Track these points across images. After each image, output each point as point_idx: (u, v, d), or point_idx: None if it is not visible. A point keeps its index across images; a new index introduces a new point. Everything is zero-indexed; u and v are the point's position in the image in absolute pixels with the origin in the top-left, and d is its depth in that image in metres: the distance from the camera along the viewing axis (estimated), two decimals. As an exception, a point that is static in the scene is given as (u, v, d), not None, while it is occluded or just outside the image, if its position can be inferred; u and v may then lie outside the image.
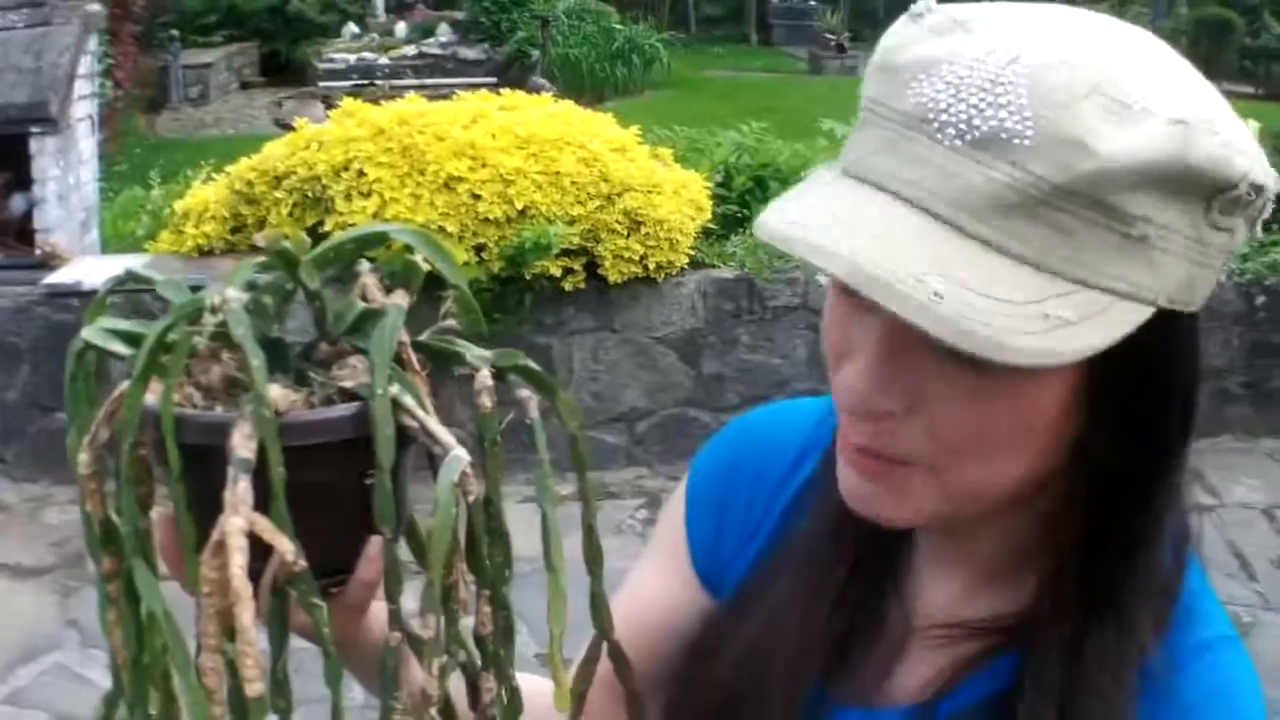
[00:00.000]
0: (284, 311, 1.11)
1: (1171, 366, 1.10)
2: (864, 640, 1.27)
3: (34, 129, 7.31)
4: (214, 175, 7.52)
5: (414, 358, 1.10)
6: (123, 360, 1.07)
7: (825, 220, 1.03)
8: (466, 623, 1.07)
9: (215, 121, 17.81)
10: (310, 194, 6.83)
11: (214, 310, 1.03)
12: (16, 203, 7.36)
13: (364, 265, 1.14)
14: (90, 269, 7.18)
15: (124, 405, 1.02)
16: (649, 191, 6.81)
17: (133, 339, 1.08)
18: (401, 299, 1.10)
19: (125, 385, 1.03)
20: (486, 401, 1.08)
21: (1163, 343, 1.06)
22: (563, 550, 1.09)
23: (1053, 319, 0.98)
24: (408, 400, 1.04)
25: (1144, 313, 1.01)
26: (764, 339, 7.04)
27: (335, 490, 1.05)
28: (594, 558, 1.14)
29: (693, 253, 6.97)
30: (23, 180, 7.36)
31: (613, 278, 6.80)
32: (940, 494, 1.12)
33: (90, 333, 1.10)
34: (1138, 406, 1.10)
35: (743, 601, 1.35)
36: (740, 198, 7.33)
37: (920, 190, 1.00)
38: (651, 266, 6.82)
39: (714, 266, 7.06)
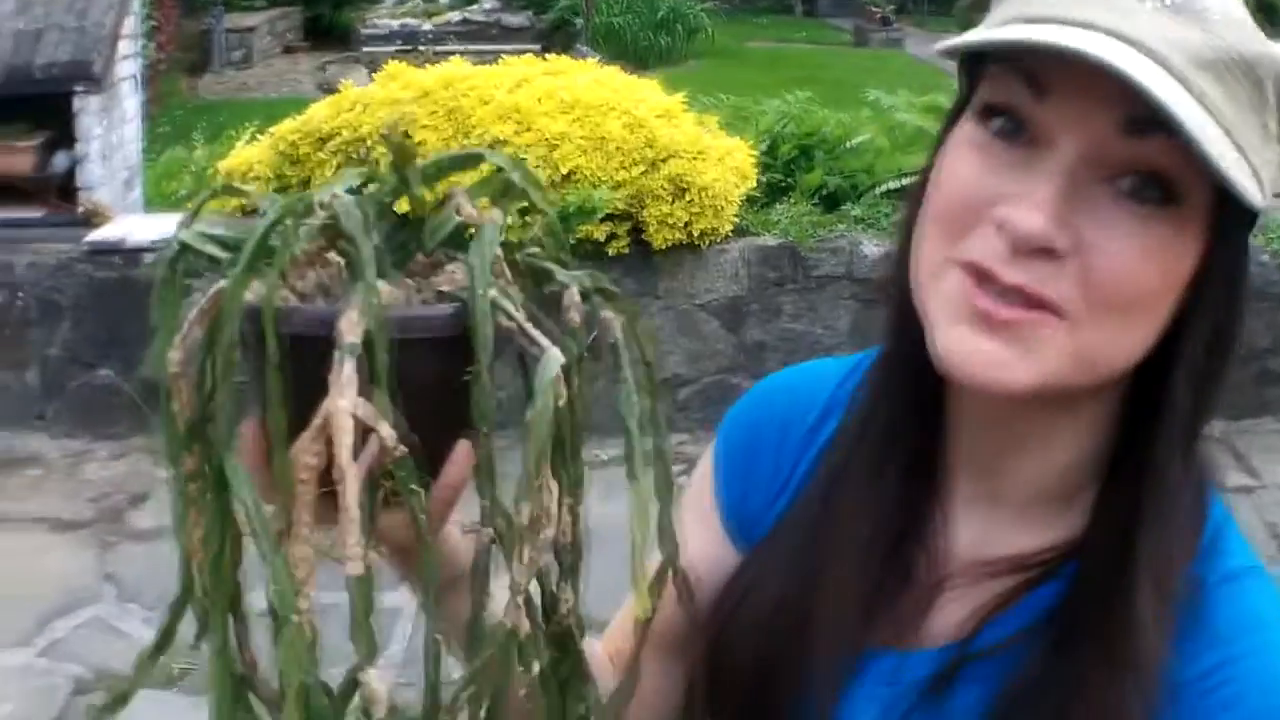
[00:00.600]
0: (379, 226, 1.11)
1: (1244, 279, 1.16)
2: (899, 583, 1.28)
3: (77, 88, 7.32)
4: (257, 136, 7.52)
5: (508, 271, 1.11)
6: (217, 264, 1.08)
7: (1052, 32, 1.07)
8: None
9: (258, 85, 17.80)
10: (355, 155, 6.81)
11: (321, 207, 1.04)
12: (59, 161, 7.37)
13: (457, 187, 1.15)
14: (133, 227, 7.19)
15: (226, 298, 1.02)
16: (694, 158, 6.78)
17: (228, 244, 1.08)
18: (498, 215, 1.10)
19: (223, 283, 1.03)
20: (575, 317, 1.09)
21: (1244, 252, 1.15)
22: (642, 462, 1.10)
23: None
24: (507, 303, 1.05)
25: (1258, 202, 1.08)
26: (807, 308, 7.01)
27: (430, 387, 1.06)
28: (664, 486, 1.15)
29: (737, 220, 6.94)
30: (66, 139, 7.36)
31: (657, 243, 6.78)
32: (1070, 355, 1.12)
33: (187, 235, 1.10)
34: (1223, 309, 1.15)
35: (776, 550, 1.36)
36: (785, 166, 7.31)
37: (1134, 31, 1.05)
38: (696, 233, 6.79)
39: (758, 234, 7.03)
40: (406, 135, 1.09)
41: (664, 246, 6.81)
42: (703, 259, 6.94)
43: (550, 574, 1.10)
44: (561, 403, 1.03)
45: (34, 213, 7.32)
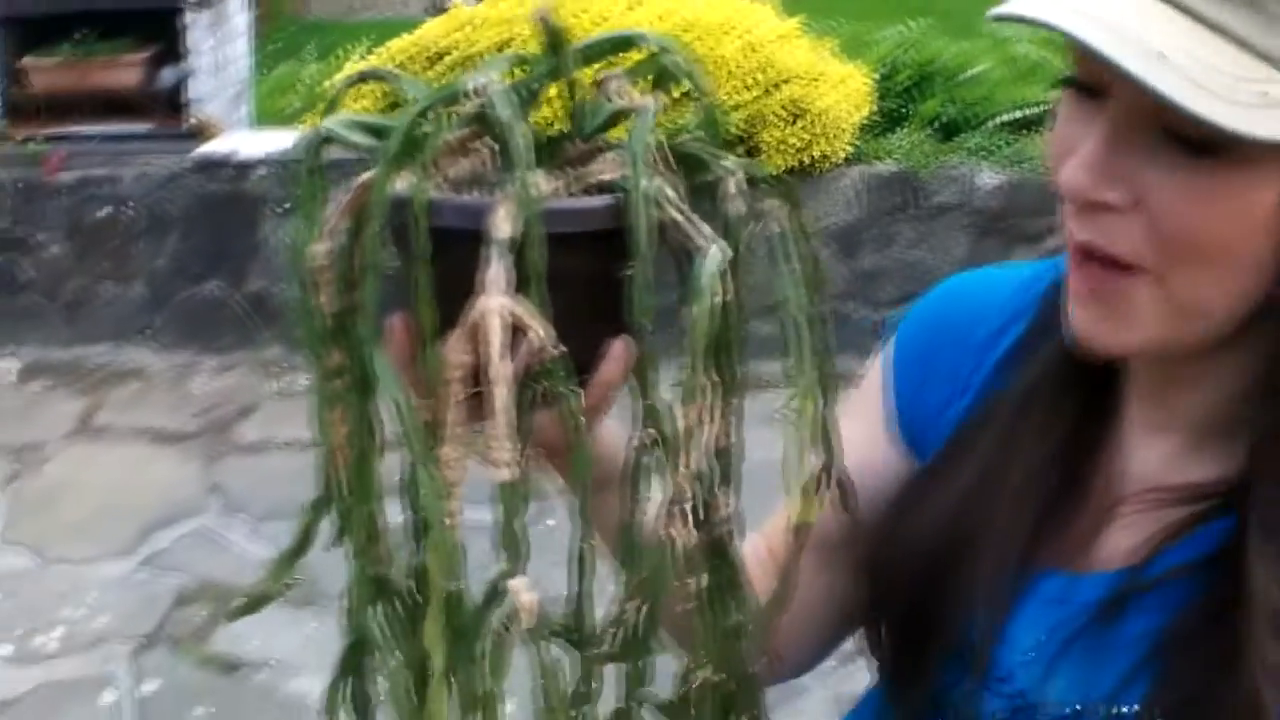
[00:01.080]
0: (528, 112, 1.07)
1: None
2: (1072, 503, 1.26)
3: (186, 2, 7.28)
4: (368, 53, 7.47)
5: (665, 160, 1.06)
6: (363, 152, 1.04)
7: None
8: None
9: (364, 7, 17.77)
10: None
11: (473, 95, 1.01)
12: (167, 75, 7.35)
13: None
14: (243, 141, 7.18)
15: (374, 189, 0.99)
16: (811, 82, 6.67)
17: (375, 132, 1.05)
18: (653, 102, 1.07)
19: (369, 173, 1.00)
20: (736, 208, 1.05)
21: None
22: (805, 360, 1.08)
23: (1271, 98, 1.02)
24: (664, 195, 1.02)
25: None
26: (922, 236, 6.89)
27: (584, 284, 1.03)
28: (826, 380, 1.12)
29: (853, 146, 6.82)
30: (174, 53, 7.34)
31: (771, 167, 6.61)
32: (1164, 310, 1.12)
33: (332, 122, 1.06)
34: None
35: (949, 459, 1.34)
36: (901, 94, 7.18)
37: None
38: (811, 158, 6.69)
39: (874, 161, 6.90)
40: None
41: (779, 171, 6.63)
42: (818, 185, 6.80)
43: (706, 479, 1.06)
44: (722, 299, 1.00)
45: (142, 126, 7.30)
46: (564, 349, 0.97)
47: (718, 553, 1.07)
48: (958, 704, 1.28)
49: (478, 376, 0.96)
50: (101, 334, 7.05)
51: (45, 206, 6.99)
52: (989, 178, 6.78)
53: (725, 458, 1.06)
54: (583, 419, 0.99)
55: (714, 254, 1.00)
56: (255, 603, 1.12)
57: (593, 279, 1.02)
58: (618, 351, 1.05)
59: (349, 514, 1.03)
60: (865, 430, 1.42)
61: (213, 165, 6.98)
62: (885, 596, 1.34)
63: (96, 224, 7.01)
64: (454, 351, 0.94)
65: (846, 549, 1.36)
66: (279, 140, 7.02)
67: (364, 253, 0.99)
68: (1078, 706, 1.21)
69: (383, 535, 1.04)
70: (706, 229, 1.02)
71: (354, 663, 1.08)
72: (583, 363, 1.04)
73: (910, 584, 1.31)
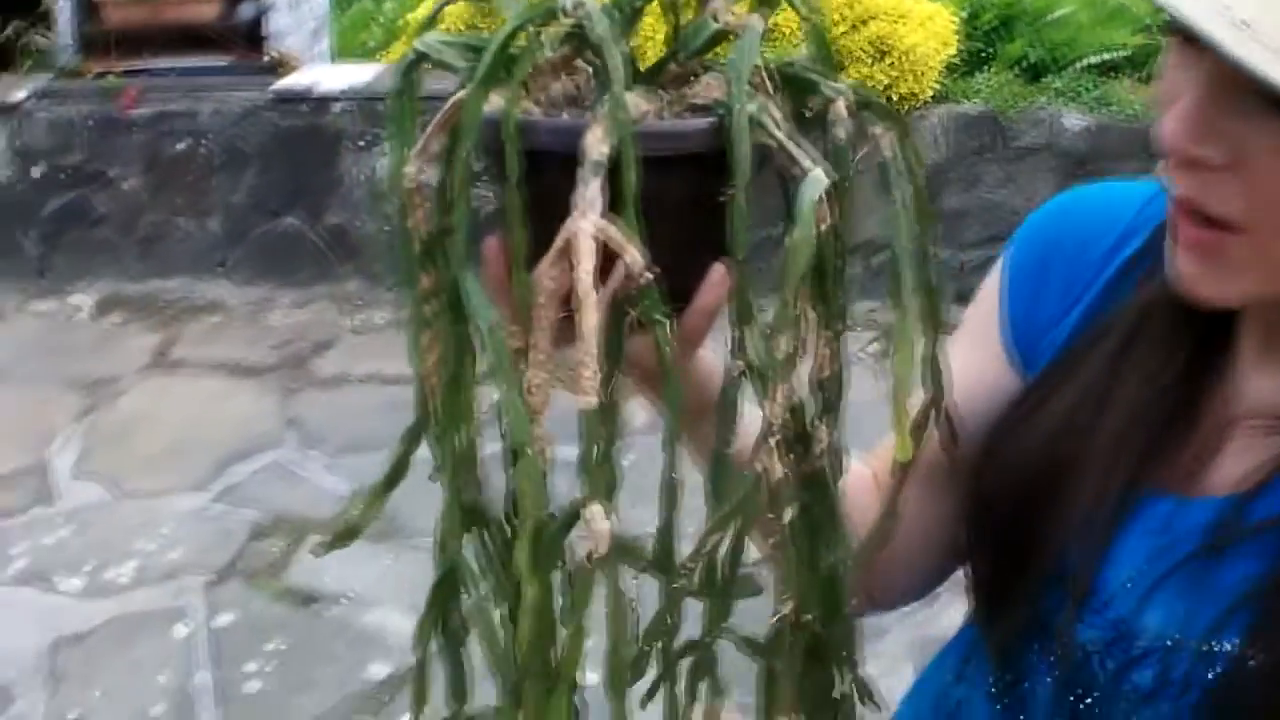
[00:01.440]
0: (628, 32, 1.04)
1: None
2: (1183, 425, 1.24)
3: (263, -64, 7.27)
4: (450, -15, 7.41)
5: (768, 82, 1.02)
6: (454, 72, 1.02)
7: None
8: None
9: (442, -56, 17.75)
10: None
11: (570, 12, 0.98)
12: (246, 9, 7.36)
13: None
14: (321, 75, 7.17)
15: (465, 109, 0.96)
16: (896, 20, 6.63)
17: (468, 51, 1.02)
18: (758, 21, 1.02)
19: (462, 93, 0.98)
20: (842, 133, 1.01)
21: None
22: (910, 291, 1.04)
23: None
24: (767, 117, 0.98)
25: None
26: (1007, 178, 6.83)
27: (681, 209, 1.00)
28: (930, 319, 1.07)
29: (938, 86, 6.77)
30: (252, -13, 7.32)
31: None
32: (1262, 267, 1.10)
33: (424, 42, 1.03)
34: None
35: (1059, 375, 1.32)
36: (986, 35, 7.10)
37: None
38: (896, 96, 6.63)
39: (959, 101, 6.84)
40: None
41: None
42: None
43: (806, 410, 1.03)
44: (824, 227, 0.97)
45: (220, 60, 7.31)
46: (658, 273, 0.94)
47: (815, 486, 1.04)
48: (1054, 632, 1.25)
49: (569, 301, 0.93)
50: (177, 269, 7.08)
51: (120, 142, 7.01)
52: (1074, 120, 6.71)
53: (826, 389, 1.03)
54: (674, 346, 0.96)
55: (816, 178, 0.96)
56: (345, 535, 1.10)
57: (692, 203, 0.99)
58: (716, 278, 1.02)
59: (441, 439, 1.01)
60: (980, 349, 1.41)
61: (291, 100, 6.97)
62: (984, 518, 1.32)
63: (173, 159, 7.03)
64: (544, 274, 0.92)
65: (955, 476, 1.34)
66: (357, 75, 7.00)
67: (455, 174, 0.97)
68: (1174, 639, 1.18)
69: (475, 463, 1.02)
70: (811, 152, 0.98)
71: (445, 595, 1.06)
72: (681, 289, 1.02)
73: (1011, 505, 1.28)
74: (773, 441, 0.95)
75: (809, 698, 1.08)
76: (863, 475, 1.38)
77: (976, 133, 6.82)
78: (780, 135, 0.98)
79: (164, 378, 6.20)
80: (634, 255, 0.92)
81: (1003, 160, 6.82)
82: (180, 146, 7.01)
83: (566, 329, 0.94)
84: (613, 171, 0.92)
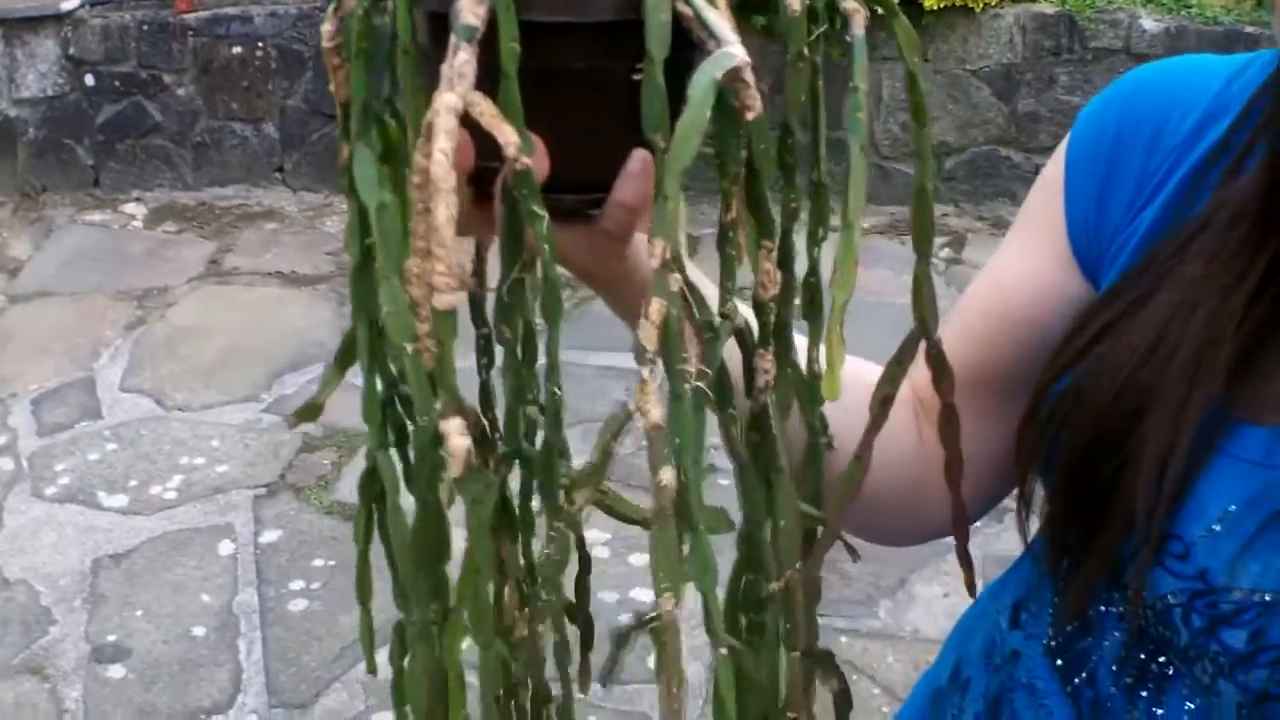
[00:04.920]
0: None
1: None
2: (1276, 344, 1.08)
3: None
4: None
5: None
6: None
7: None
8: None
9: None
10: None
11: None
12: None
13: None
14: (378, -25, 7.00)
15: None
16: (974, -83, 6.52)
17: None
18: None
19: None
20: (796, 4, 0.86)
21: None
22: (863, 201, 0.87)
23: None
24: None
25: None
26: (1082, 80, 6.73)
27: (592, 87, 0.88)
28: (924, 233, 0.95)
29: (1013, -15, 6.68)
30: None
31: (929, 4, 6.51)
32: None
33: None
34: None
35: (1135, 286, 1.15)
36: (1065, -69, 6.95)
37: None
38: (970, -5, 6.56)
39: (1035, 0, 6.75)
40: None
41: (936, 8, 6.56)
42: (976, 23, 6.68)
43: (749, 335, 0.90)
44: (753, 116, 0.81)
45: (276, -39, 7.16)
46: (530, 161, 0.80)
47: (760, 429, 0.90)
48: (1130, 583, 1.11)
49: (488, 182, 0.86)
50: (231, 176, 7.01)
51: (174, 47, 6.91)
52: (1151, 23, 6.65)
53: (768, 310, 0.89)
54: (548, 247, 0.81)
55: (720, 58, 0.80)
56: (307, 413, 1.03)
57: (606, 82, 0.87)
58: (634, 167, 0.90)
59: (355, 319, 0.91)
60: (1041, 248, 1.25)
61: (347, 2, 6.83)
62: (1059, 443, 1.16)
63: (227, 63, 6.93)
64: (418, 153, 0.78)
65: (1007, 402, 1.23)
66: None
67: (350, 34, 0.88)
68: (1268, 597, 1.03)
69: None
70: (728, 27, 0.82)
71: (369, 494, 0.98)
72: (601, 181, 0.92)
73: (1089, 442, 1.12)
74: (645, 373, 0.77)
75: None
76: (901, 400, 1.22)
77: (1052, 33, 6.72)
78: (697, 3, 0.83)
79: (216, 287, 6.13)
80: (507, 135, 0.79)
81: (1079, 61, 6.72)
82: (235, 50, 6.91)
83: (479, 211, 0.89)
84: (491, 39, 0.80)
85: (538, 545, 0.94)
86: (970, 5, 6.59)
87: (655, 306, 0.74)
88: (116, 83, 6.94)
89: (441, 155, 0.75)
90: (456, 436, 0.76)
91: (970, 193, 6.71)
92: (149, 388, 5.27)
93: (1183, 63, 1.24)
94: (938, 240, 6.42)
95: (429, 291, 0.76)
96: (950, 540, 1.18)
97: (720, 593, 0.82)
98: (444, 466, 0.78)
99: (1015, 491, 1.25)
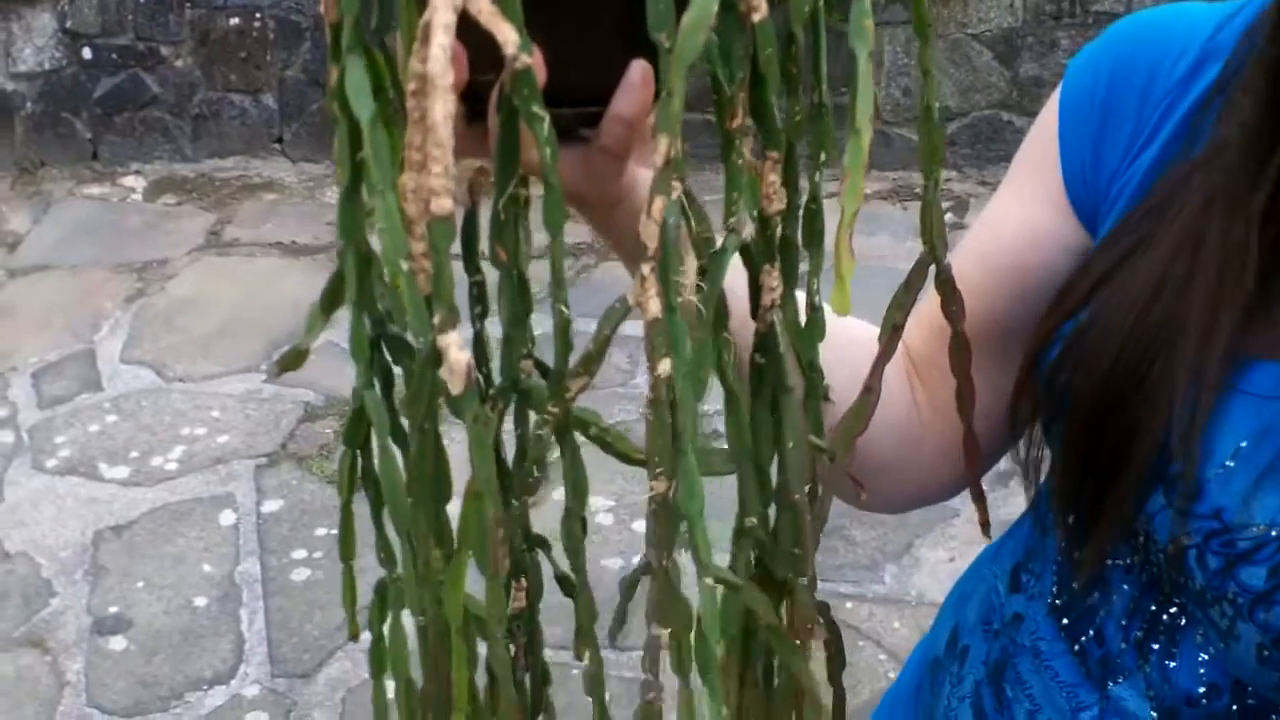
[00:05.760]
0: None
1: None
2: None
3: None
4: None
5: None
6: None
7: None
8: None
9: None
10: None
11: None
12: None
13: None
14: (376, -55, 6.97)
15: None
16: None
17: None
18: None
19: None
20: None
21: None
22: (873, 104, 0.82)
23: None
24: None
25: None
26: (1084, 43, 6.45)
27: None
28: (933, 153, 0.92)
29: (1016, -53, 6.65)
30: None
31: None
32: None
33: None
34: None
35: (1136, 229, 1.14)
36: (1065, -112, 6.93)
37: None
38: (972, -42, 6.52)
39: None
40: None
41: None
42: None
43: (756, 251, 0.86)
44: (758, 18, 0.78)
45: (274, -69, 7.13)
46: (530, 61, 0.76)
47: (767, 350, 0.87)
48: (1142, 529, 1.10)
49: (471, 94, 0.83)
50: (230, 148, 6.95)
51: (171, 19, 6.86)
52: None
53: (772, 225, 0.85)
54: (549, 152, 0.77)
55: None
56: (292, 359, 0.99)
57: None
58: (634, 77, 0.87)
59: (343, 253, 0.90)
60: (1035, 191, 1.24)
61: (345, -30, 6.81)
62: (1061, 400, 1.14)
63: (225, 34, 6.88)
64: (414, 58, 0.74)
65: (1007, 347, 1.21)
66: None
67: None
68: None
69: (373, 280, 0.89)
70: None
71: (354, 437, 0.95)
72: (598, 95, 0.89)
73: (1094, 381, 1.11)
74: (646, 269, 0.75)
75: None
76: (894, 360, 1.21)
77: (1053, -3, 6.71)
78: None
79: (216, 259, 6.09)
80: (506, 34, 0.75)
81: (1080, 25, 6.67)
82: (233, 22, 6.86)
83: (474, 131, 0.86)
84: None
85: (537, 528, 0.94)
86: (973, -31, 6.54)
87: (658, 204, 0.71)
88: (114, 55, 6.89)
89: (439, 50, 0.72)
90: (456, 350, 0.73)
91: (972, 157, 6.68)
92: (149, 359, 5.24)
93: (1173, 9, 1.23)
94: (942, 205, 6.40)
95: (424, 208, 0.73)
96: (954, 504, 1.16)
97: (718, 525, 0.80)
98: (441, 390, 0.76)
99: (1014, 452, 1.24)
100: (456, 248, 0.80)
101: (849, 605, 3.84)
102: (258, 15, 6.83)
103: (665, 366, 0.72)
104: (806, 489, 0.86)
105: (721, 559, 0.79)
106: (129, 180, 6.81)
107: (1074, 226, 1.21)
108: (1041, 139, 1.25)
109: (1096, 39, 1.27)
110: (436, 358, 0.74)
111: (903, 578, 3.98)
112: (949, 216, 6.15)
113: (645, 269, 0.72)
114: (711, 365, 0.77)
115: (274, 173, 6.83)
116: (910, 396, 1.27)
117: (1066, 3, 6.65)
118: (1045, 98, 1.22)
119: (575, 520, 0.90)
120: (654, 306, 0.72)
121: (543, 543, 0.96)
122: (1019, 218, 1.24)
